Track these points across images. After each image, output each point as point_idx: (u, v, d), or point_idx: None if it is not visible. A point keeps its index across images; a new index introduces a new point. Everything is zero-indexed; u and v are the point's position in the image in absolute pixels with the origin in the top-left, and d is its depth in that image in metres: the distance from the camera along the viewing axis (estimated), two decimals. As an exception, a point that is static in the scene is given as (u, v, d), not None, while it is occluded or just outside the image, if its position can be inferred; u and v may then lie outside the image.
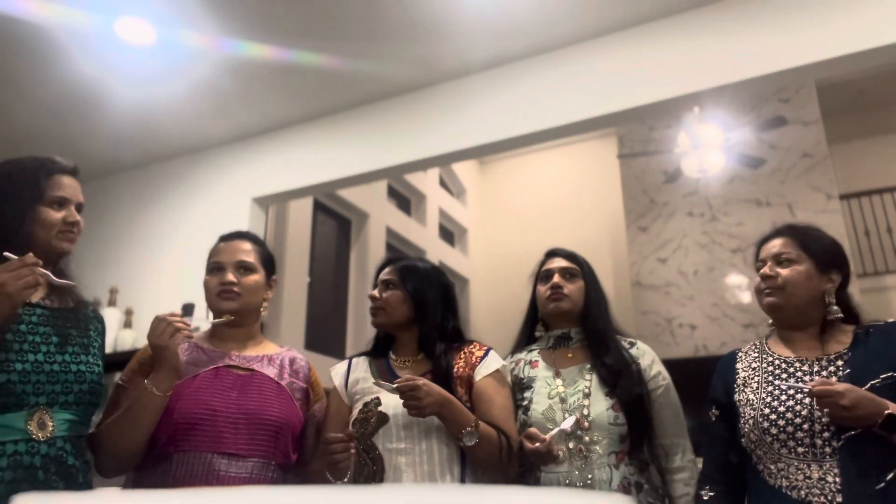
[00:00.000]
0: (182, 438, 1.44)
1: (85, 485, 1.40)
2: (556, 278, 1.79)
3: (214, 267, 1.63)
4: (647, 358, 1.77)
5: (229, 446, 1.45)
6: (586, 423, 1.60)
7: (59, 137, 3.70)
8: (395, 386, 1.47)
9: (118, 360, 1.63)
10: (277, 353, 1.67)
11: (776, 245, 1.57)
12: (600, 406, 1.63)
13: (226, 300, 1.59)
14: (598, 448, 1.58)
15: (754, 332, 5.89)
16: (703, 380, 1.88)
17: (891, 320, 1.52)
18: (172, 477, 1.42)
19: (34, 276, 1.29)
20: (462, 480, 1.59)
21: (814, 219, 6.09)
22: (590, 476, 1.55)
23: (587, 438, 1.59)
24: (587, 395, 1.65)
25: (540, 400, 1.67)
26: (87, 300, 1.57)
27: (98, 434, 1.47)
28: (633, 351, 1.77)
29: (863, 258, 6.61)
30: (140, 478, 1.49)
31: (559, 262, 1.84)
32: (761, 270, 1.55)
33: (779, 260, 1.54)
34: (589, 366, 1.71)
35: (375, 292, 1.75)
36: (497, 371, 1.68)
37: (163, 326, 1.44)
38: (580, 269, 1.84)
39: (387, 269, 1.79)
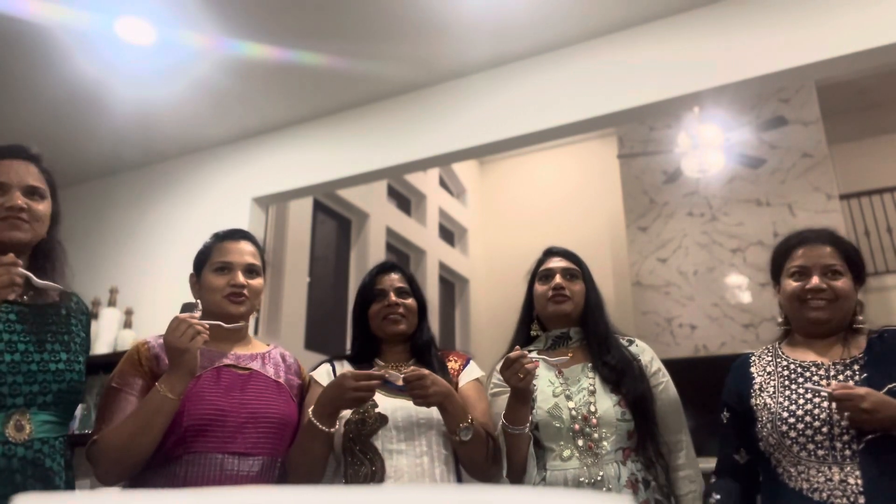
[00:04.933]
0: (192, 440, 1.43)
1: (64, 487, 1.38)
2: (558, 279, 1.77)
3: (222, 267, 1.61)
4: (647, 355, 1.77)
5: (238, 446, 1.46)
6: (594, 420, 1.60)
7: (59, 137, 3.70)
8: (402, 376, 1.48)
9: (118, 361, 1.61)
10: (268, 350, 1.68)
11: (826, 255, 1.54)
12: (607, 403, 1.62)
13: (235, 303, 1.59)
14: (606, 444, 1.58)
15: (754, 332, 5.89)
16: (703, 380, 1.88)
17: None
18: (182, 478, 1.41)
19: (10, 276, 1.25)
20: (458, 482, 1.60)
21: (814, 219, 6.11)
22: (599, 473, 1.55)
23: (595, 435, 1.59)
24: (592, 393, 1.64)
25: (544, 398, 1.66)
26: (70, 292, 1.52)
27: (100, 441, 1.42)
28: (633, 349, 1.77)
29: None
30: (144, 479, 1.46)
31: (560, 262, 1.81)
32: (813, 282, 1.52)
33: (828, 271, 1.53)
34: (591, 365, 1.71)
35: (398, 300, 1.72)
36: (477, 379, 1.72)
37: (183, 328, 1.39)
38: (580, 269, 1.82)
39: (397, 277, 1.77)
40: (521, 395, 1.53)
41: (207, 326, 1.43)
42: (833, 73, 2.77)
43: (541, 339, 1.82)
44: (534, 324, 1.83)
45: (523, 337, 1.85)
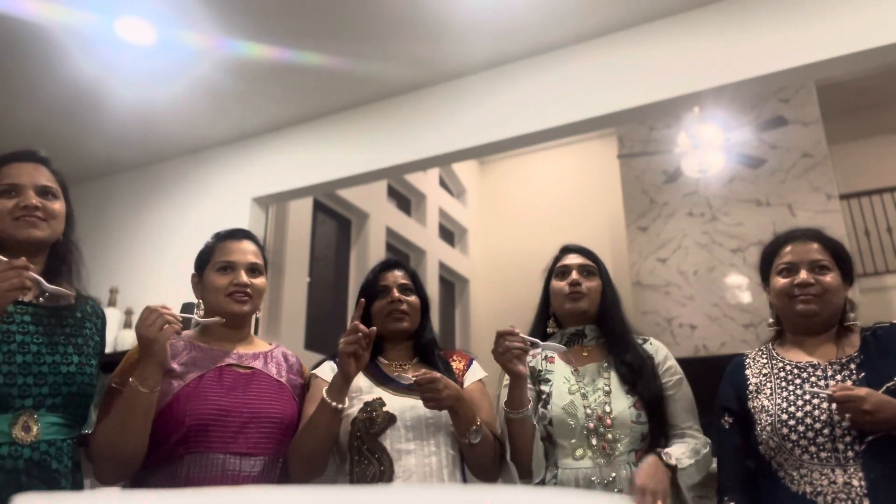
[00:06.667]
0: (194, 440, 1.43)
1: (71, 488, 1.38)
2: (575, 275, 1.75)
3: (225, 266, 1.60)
4: (661, 353, 1.75)
5: (240, 445, 1.45)
6: (609, 421, 1.59)
7: (59, 137, 3.70)
8: (414, 379, 1.47)
9: (118, 361, 1.61)
10: (270, 350, 1.67)
11: (813, 251, 1.54)
12: (622, 404, 1.61)
13: (238, 302, 1.58)
14: (619, 446, 1.57)
15: (754, 332, 5.89)
16: (704, 380, 1.87)
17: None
18: (185, 478, 1.40)
19: (21, 279, 1.25)
20: (464, 482, 1.60)
21: (814, 219, 6.12)
22: (612, 473, 1.55)
23: (610, 436, 1.58)
24: (608, 393, 1.63)
25: (560, 395, 1.65)
26: (87, 295, 1.54)
27: (92, 440, 1.43)
28: (647, 347, 1.75)
29: (863, 258, 6.61)
30: (145, 479, 1.46)
31: (577, 259, 1.80)
32: (800, 276, 1.52)
33: (815, 266, 1.53)
34: (606, 364, 1.69)
35: (401, 296, 1.71)
36: (481, 380, 1.72)
37: (153, 318, 1.38)
38: (597, 266, 1.81)
39: (400, 273, 1.76)
40: (516, 378, 1.54)
41: (180, 318, 1.42)
42: (833, 73, 2.77)
43: (556, 335, 1.80)
44: (550, 321, 1.81)
45: (539, 334, 1.82)
